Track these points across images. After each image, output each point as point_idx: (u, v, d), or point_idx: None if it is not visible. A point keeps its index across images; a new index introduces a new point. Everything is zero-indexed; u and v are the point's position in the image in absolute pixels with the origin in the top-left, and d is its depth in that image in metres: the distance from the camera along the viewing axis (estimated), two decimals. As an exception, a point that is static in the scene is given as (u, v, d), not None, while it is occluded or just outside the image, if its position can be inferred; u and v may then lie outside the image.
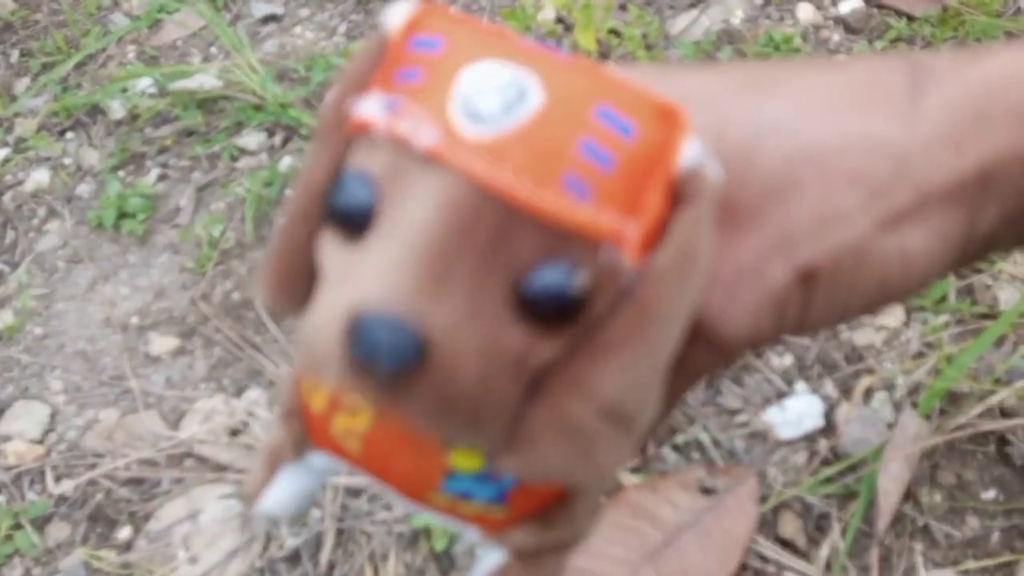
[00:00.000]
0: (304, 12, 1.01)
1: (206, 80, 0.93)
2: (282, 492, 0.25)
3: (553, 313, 0.18)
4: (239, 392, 0.72)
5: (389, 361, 0.16)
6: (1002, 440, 0.63)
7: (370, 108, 0.18)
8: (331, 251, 0.19)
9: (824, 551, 0.60)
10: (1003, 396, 0.62)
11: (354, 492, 0.65)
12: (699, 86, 0.22)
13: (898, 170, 0.21)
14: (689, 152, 0.18)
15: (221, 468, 0.68)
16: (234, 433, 0.69)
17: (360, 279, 0.17)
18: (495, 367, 0.18)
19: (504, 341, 0.18)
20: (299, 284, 0.20)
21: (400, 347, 0.16)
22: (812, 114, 0.21)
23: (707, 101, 0.21)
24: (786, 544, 0.60)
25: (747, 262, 0.21)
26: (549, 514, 0.23)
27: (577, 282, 0.18)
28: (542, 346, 0.18)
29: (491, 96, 0.18)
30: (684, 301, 0.19)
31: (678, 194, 0.18)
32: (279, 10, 1.01)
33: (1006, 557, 0.59)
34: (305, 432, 0.24)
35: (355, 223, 0.18)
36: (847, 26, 0.92)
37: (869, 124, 0.21)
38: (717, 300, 0.21)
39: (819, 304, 0.21)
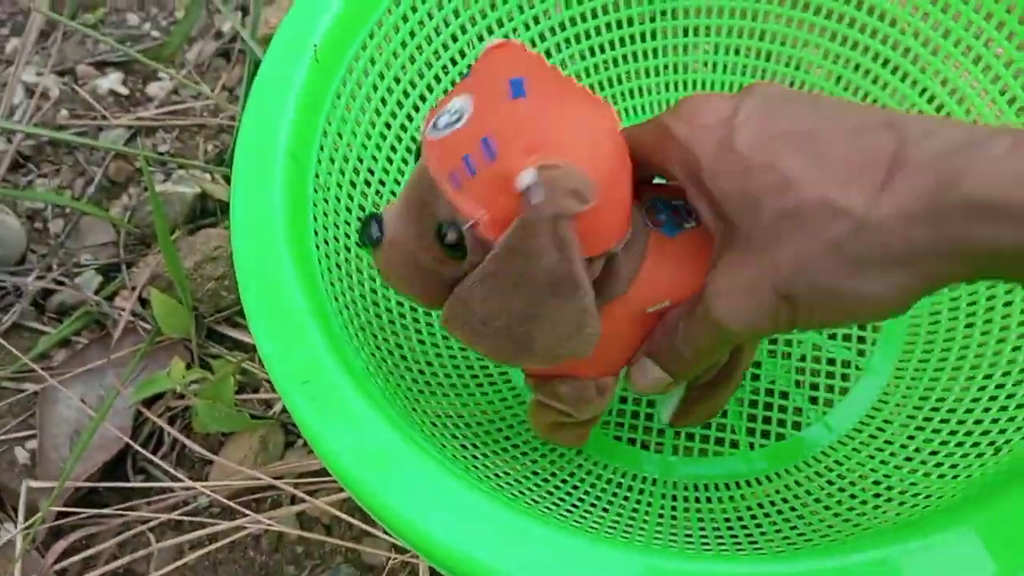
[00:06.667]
0: None
1: None
2: None
3: (448, 248, 0.31)
4: None
5: (365, 238, 0.33)
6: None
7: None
8: None
9: None
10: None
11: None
12: (740, 136, 0.30)
13: (855, 235, 0.27)
14: (522, 180, 0.28)
15: None
16: None
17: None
18: (417, 264, 0.32)
19: (426, 253, 0.32)
20: None
21: (371, 233, 0.33)
22: (808, 180, 0.28)
23: (739, 151, 0.29)
24: None
25: (748, 280, 0.30)
26: (539, 380, 0.37)
27: (450, 236, 0.30)
28: (449, 265, 0.32)
29: (444, 116, 0.31)
30: (517, 276, 0.30)
31: (520, 204, 0.29)
32: None
33: None
34: None
35: None
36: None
37: (843, 195, 0.27)
38: (725, 302, 0.30)
39: (801, 318, 0.29)
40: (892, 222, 0.26)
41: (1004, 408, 0.38)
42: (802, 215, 0.28)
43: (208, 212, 0.58)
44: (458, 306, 0.32)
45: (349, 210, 0.43)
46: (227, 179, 0.59)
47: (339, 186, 0.42)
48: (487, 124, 0.29)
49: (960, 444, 0.38)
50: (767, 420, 0.45)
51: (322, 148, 0.41)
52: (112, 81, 0.65)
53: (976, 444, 0.37)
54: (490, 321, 0.31)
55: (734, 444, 0.45)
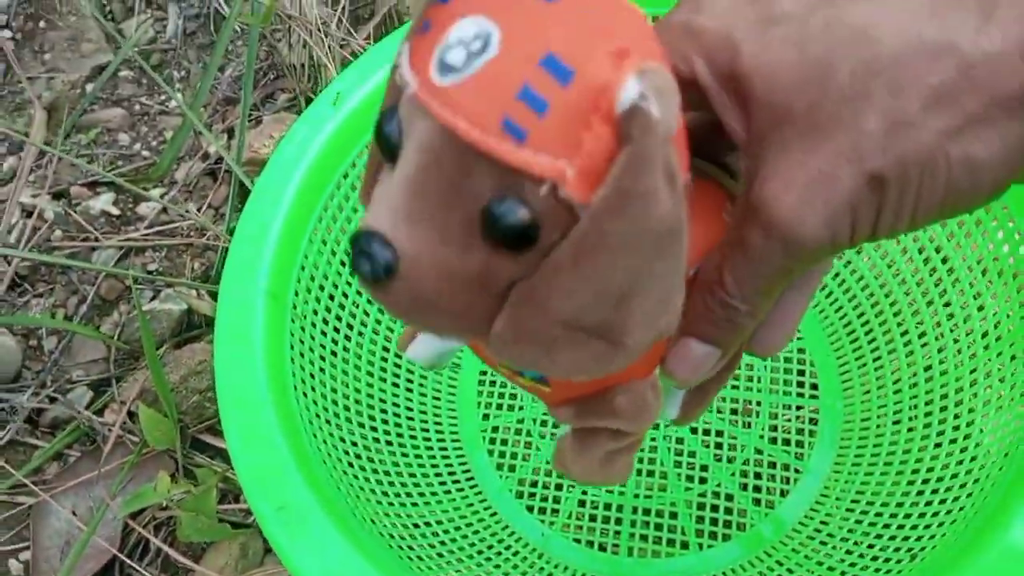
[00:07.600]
0: None
1: None
2: (420, 347, 0.35)
3: (507, 239, 0.21)
4: None
5: (369, 270, 0.22)
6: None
7: (399, 56, 0.23)
8: (382, 174, 0.24)
9: None
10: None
11: None
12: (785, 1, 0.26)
13: (964, 77, 0.23)
14: (627, 92, 0.20)
15: None
16: None
17: (372, 206, 0.23)
18: (456, 279, 0.22)
19: (466, 260, 0.22)
20: None
21: (377, 260, 0.22)
22: (888, 24, 0.24)
23: (789, 15, 0.25)
24: None
25: (821, 168, 0.24)
26: (588, 401, 0.30)
27: (519, 214, 0.21)
28: (505, 265, 0.22)
29: (457, 49, 0.21)
30: (627, 235, 0.21)
31: (621, 133, 0.20)
32: None
33: None
34: None
35: (390, 153, 0.23)
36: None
37: (941, 32, 0.23)
38: (791, 203, 0.24)
39: (890, 208, 0.24)
40: (1005, 59, 0.23)
41: (922, 515, 0.42)
42: (890, 65, 0.23)
43: (194, 326, 0.62)
44: (528, 314, 0.23)
45: (324, 333, 0.47)
46: (212, 295, 0.63)
47: (315, 313, 0.47)
48: (537, 38, 0.21)
49: (884, 549, 0.42)
50: (715, 522, 0.49)
51: (299, 280, 0.45)
52: (104, 202, 0.70)
53: (906, 539, 0.41)
54: (576, 320, 0.23)
55: (685, 545, 0.48)
